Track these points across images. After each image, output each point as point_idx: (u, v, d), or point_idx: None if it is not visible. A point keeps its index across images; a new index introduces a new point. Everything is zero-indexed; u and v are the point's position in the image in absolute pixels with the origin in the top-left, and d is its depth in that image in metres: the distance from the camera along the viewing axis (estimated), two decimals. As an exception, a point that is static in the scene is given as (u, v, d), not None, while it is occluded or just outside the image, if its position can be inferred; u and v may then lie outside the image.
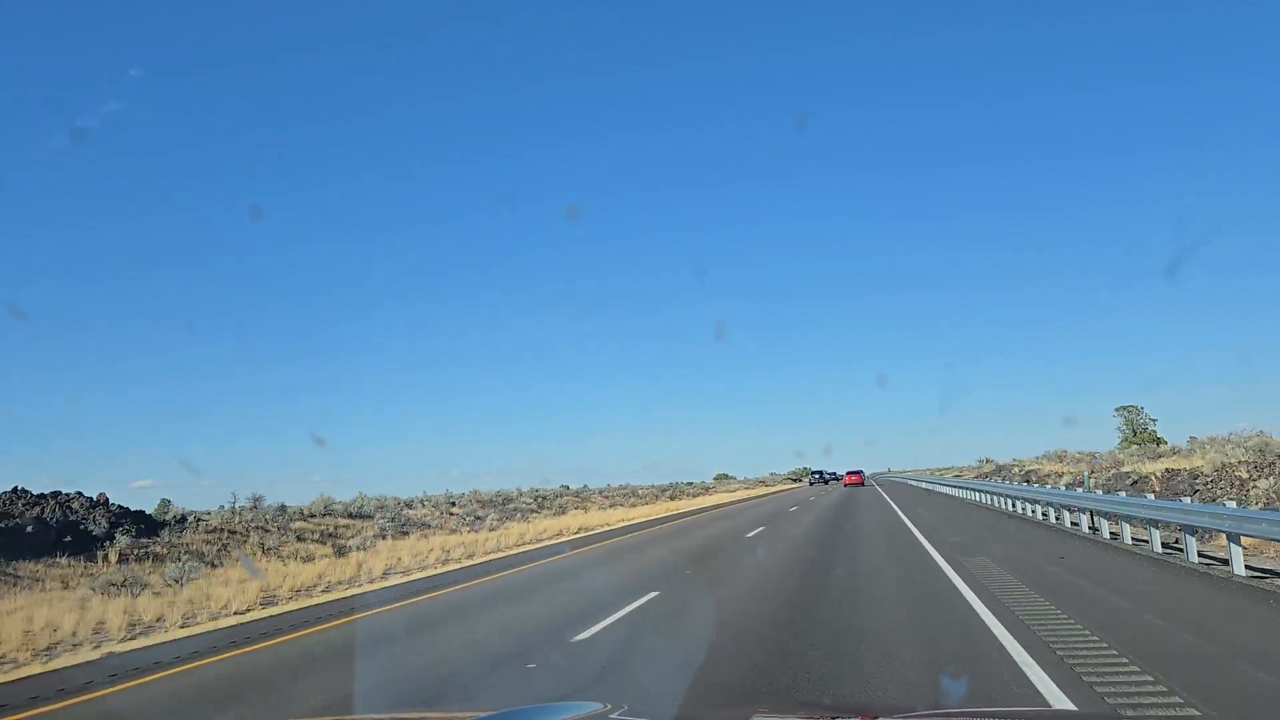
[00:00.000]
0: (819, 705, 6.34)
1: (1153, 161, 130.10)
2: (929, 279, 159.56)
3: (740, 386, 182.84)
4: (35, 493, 23.90)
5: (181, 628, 13.72)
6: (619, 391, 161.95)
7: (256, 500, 30.01)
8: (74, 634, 13.03)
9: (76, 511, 23.70)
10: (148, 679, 9.70)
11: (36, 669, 10.97)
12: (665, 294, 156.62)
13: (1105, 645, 8.32)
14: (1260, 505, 17.96)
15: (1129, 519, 18.22)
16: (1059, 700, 6.58)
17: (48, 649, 12.27)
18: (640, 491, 69.46)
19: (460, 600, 15.16)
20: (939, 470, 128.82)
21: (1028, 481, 40.83)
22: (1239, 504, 15.91)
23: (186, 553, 23.07)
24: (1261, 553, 14.58)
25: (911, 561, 16.41)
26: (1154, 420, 64.68)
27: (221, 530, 26.87)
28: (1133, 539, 18.09)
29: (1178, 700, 6.41)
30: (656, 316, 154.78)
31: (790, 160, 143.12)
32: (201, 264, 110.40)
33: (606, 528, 36.35)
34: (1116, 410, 66.91)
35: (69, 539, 22.31)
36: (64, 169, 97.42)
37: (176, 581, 18.43)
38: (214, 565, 22.14)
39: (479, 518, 40.13)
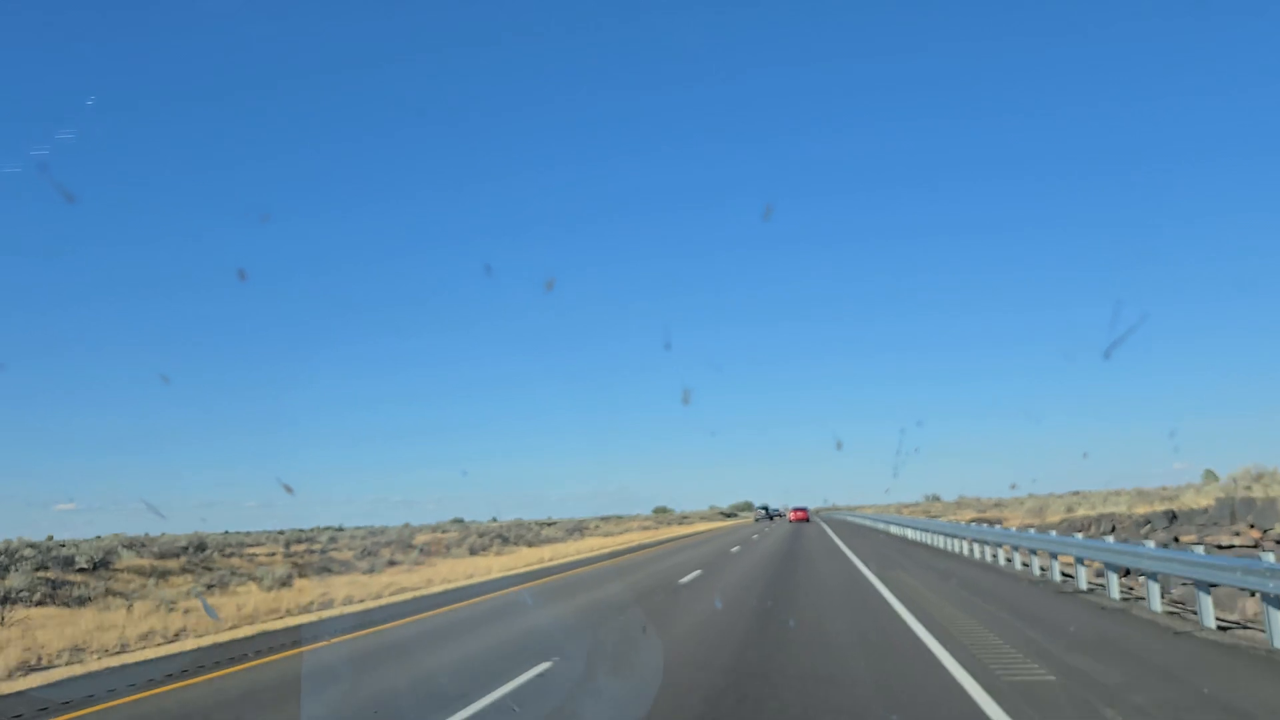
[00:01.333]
0: None
1: (1088, 240, 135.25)
2: (884, 341, 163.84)
3: (687, 424, 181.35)
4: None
5: None
6: (562, 422, 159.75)
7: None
8: None
9: None
10: None
11: None
12: (631, 358, 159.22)
13: None
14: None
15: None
16: None
17: None
18: (546, 528, 59.63)
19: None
20: (889, 508, 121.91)
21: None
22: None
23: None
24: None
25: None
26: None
27: None
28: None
29: None
30: (617, 377, 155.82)
31: (756, 244, 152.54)
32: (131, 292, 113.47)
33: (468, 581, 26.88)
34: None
35: None
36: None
37: None
38: None
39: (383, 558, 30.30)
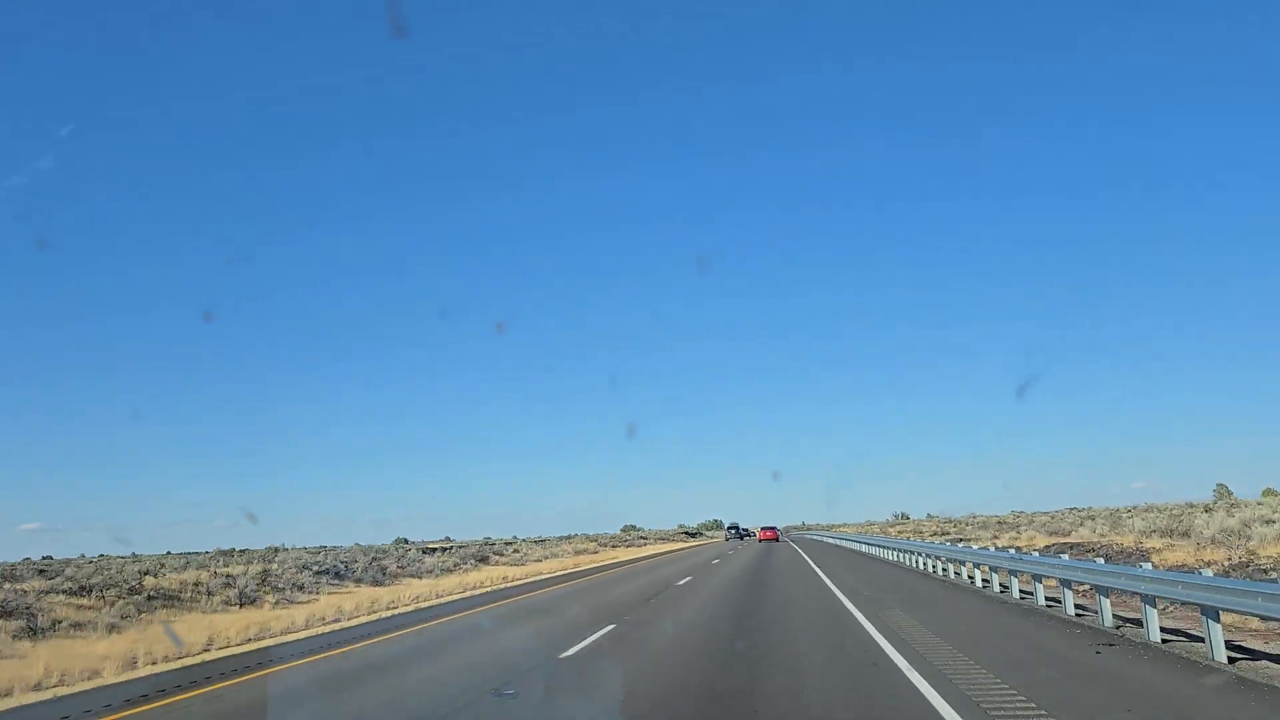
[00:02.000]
0: None
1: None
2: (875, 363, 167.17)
3: (653, 441, 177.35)
4: None
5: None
6: (528, 441, 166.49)
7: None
8: None
9: None
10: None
11: None
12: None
13: None
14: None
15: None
16: None
17: None
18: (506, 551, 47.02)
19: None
20: (858, 527, 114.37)
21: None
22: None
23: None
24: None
25: None
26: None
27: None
28: None
29: None
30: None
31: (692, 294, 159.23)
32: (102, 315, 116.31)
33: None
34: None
35: None
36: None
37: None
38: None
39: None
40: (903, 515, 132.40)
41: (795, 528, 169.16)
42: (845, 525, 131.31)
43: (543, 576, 34.26)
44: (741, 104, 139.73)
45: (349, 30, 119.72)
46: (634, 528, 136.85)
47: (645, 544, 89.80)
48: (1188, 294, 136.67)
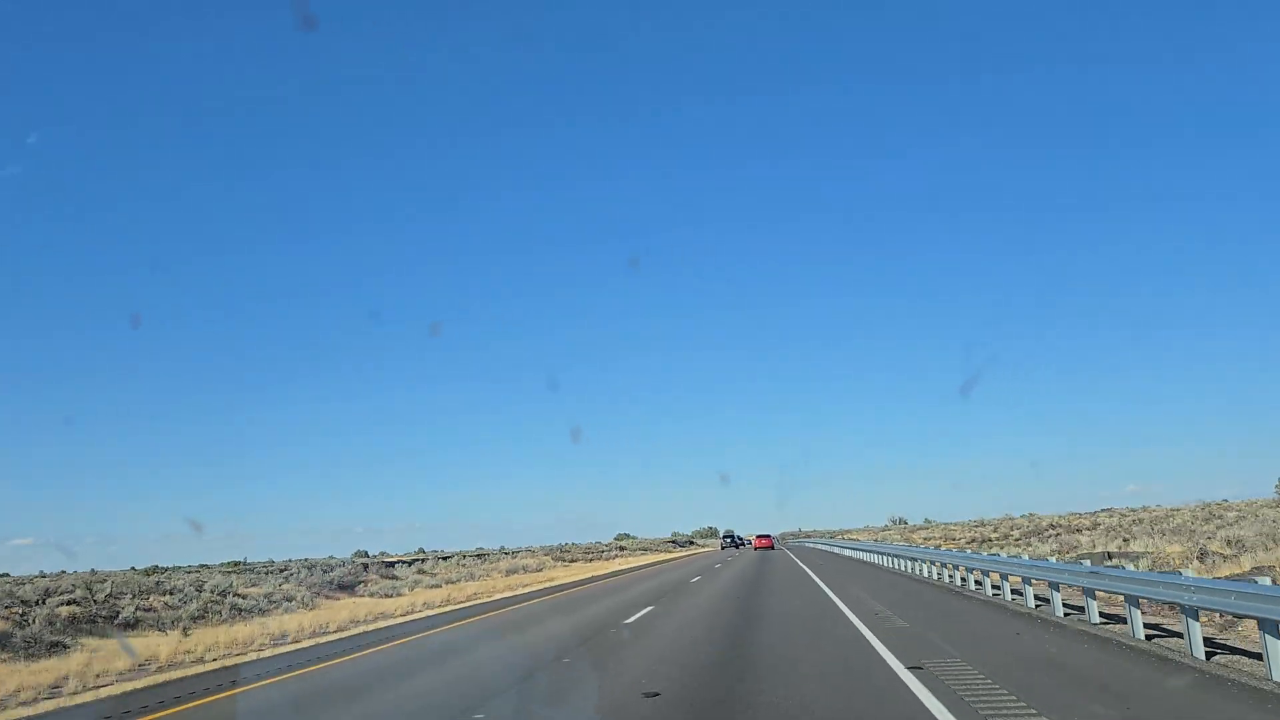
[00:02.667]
0: None
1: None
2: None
3: (646, 444, 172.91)
4: None
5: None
6: (519, 450, 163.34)
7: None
8: None
9: None
10: None
11: None
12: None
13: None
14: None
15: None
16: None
17: None
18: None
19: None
20: (870, 533, 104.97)
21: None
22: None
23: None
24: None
25: None
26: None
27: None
28: None
29: None
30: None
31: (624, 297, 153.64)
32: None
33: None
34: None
35: None
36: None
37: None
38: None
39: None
40: (900, 520, 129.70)
41: (792, 534, 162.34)
42: (853, 531, 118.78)
43: (375, 627, 22.19)
44: (691, 116, 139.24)
45: (333, 36, 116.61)
46: (628, 536, 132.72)
47: (620, 556, 77.68)
48: (1186, 297, 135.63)
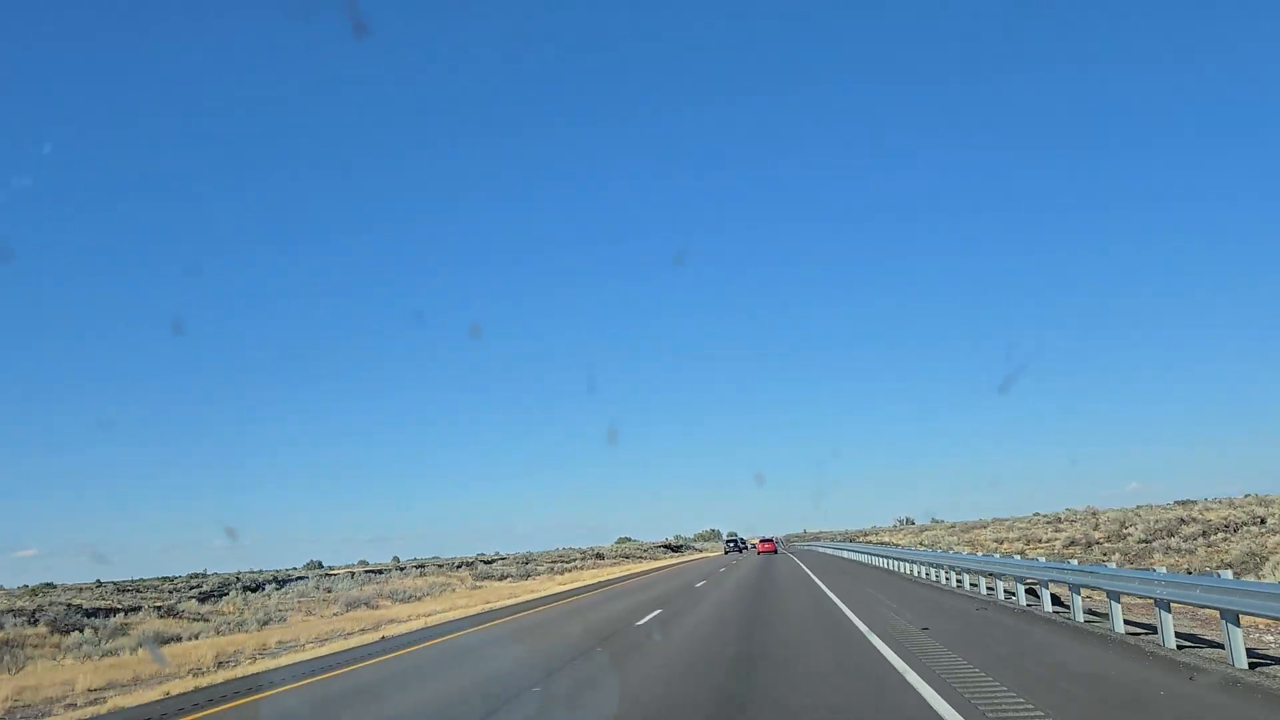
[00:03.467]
0: None
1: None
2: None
3: (647, 452, 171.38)
4: None
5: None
6: (518, 455, 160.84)
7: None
8: None
9: None
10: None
11: None
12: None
13: None
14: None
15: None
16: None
17: None
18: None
19: None
20: (900, 534, 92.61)
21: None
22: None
23: None
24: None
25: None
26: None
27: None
28: None
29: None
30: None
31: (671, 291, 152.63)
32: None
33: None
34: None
35: None
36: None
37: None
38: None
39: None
40: (907, 520, 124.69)
41: (796, 537, 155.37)
42: (876, 534, 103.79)
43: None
44: (728, 115, 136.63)
45: (321, 43, 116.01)
46: (629, 539, 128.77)
47: (588, 568, 63.83)
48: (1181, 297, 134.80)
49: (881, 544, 55.56)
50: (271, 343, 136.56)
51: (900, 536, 76.32)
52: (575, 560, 69.27)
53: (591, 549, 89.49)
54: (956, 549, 41.86)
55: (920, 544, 51.67)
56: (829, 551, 66.81)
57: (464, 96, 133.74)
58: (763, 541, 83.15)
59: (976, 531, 71.50)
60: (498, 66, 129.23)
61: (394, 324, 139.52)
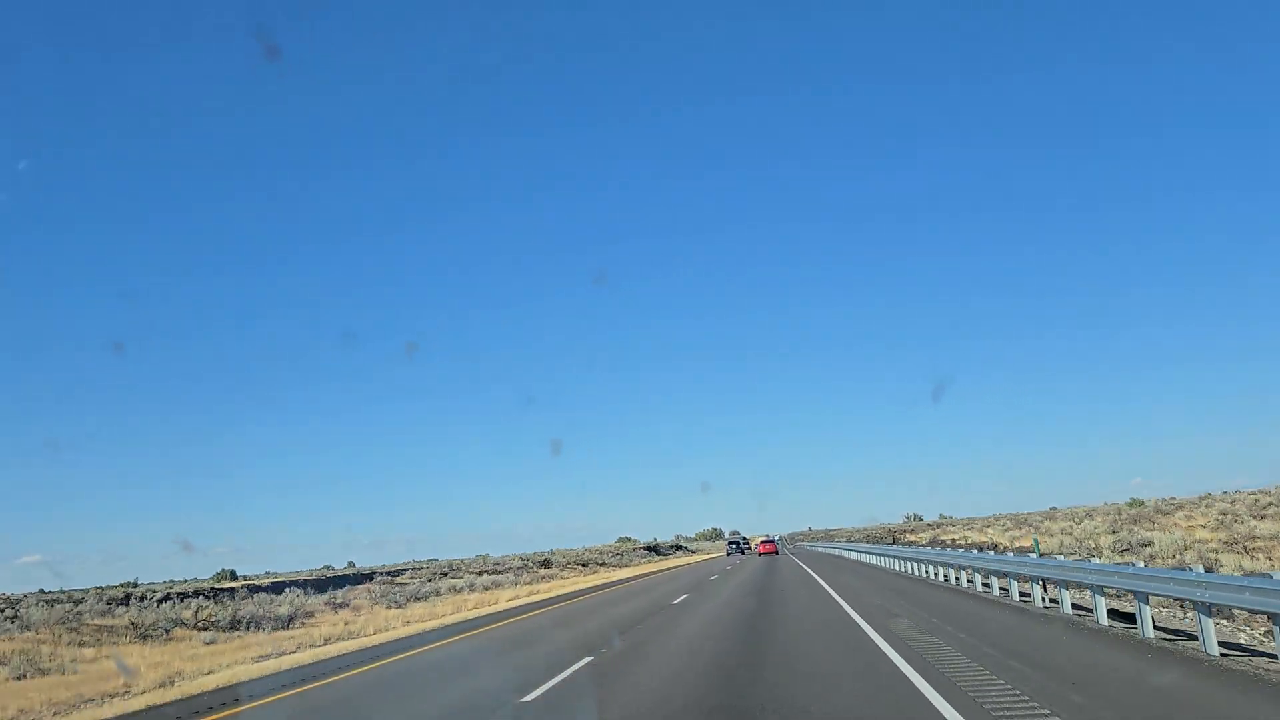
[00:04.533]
0: None
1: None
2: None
3: (646, 451, 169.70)
4: None
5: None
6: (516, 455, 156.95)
7: None
8: None
9: None
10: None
11: None
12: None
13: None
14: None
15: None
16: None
17: None
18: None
19: None
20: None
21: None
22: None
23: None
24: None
25: None
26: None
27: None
28: None
29: None
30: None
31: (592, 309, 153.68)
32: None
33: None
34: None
35: None
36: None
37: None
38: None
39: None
40: (916, 517, 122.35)
41: (801, 535, 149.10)
42: (926, 532, 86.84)
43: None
44: (659, 127, 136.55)
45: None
46: (628, 539, 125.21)
47: (543, 581, 46.28)
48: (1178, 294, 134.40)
49: (949, 546, 37.96)
50: (240, 357, 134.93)
51: (973, 533, 60.00)
52: (507, 573, 51.85)
53: (537, 555, 72.63)
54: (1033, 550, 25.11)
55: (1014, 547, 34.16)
56: (829, 553, 52.10)
57: (467, 98, 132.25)
58: (763, 543, 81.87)
59: (1047, 525, 56.26)
60: (480, 67, 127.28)
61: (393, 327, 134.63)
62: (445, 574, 48.68)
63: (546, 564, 59.33)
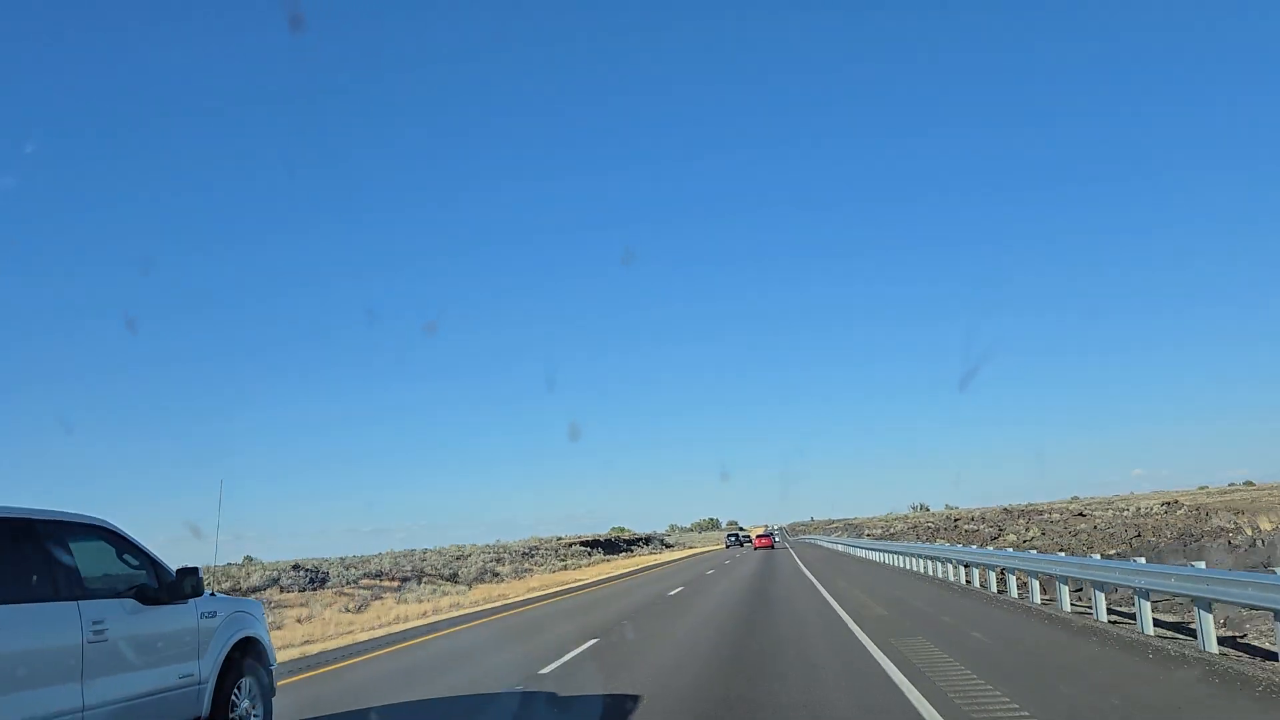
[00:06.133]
0: None
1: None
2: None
3: (644, 436, 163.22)
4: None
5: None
6: (516, 446, 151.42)
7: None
8: None
9: None
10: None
11: None
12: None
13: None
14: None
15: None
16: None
17: None
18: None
19: None
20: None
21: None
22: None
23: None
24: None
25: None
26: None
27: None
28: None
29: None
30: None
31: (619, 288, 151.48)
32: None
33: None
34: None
35: None
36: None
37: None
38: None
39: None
40: (922, 506, 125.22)
41: (803, 526, 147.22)
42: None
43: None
44: (679, 110, 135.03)
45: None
46: (623, 529, 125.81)
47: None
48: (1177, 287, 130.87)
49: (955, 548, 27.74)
50: (253, 337, 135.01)
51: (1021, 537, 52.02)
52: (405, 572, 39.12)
53: (495, 545, 63.04)
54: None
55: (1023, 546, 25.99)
56: (833, 547, 51.91)
57: (492, 75, 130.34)
58: (760, 536, 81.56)
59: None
60: (480, 56, 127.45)
61: (397, 316, 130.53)
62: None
63: (499, 560, 47.50)
